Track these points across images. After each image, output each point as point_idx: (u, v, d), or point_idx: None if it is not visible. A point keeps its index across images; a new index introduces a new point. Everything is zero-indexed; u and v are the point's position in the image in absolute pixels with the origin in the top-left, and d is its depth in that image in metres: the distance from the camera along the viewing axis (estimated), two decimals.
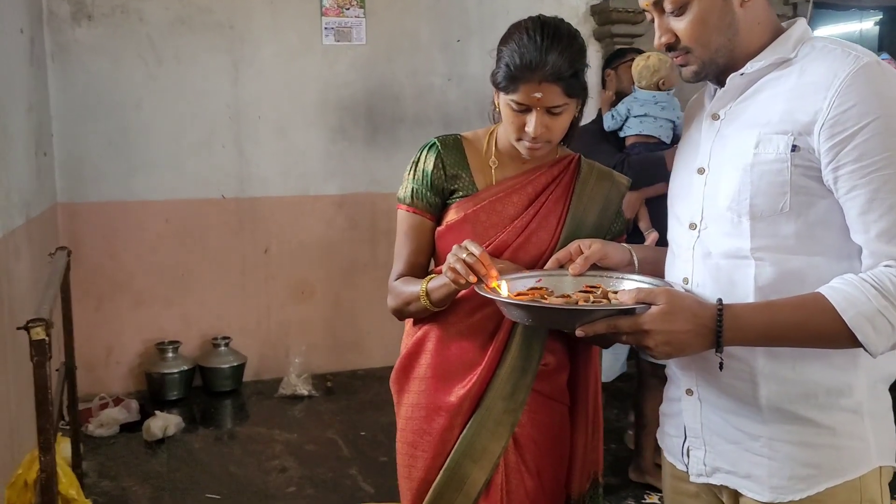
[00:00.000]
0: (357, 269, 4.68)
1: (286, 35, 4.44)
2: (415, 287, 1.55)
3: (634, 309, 1.18)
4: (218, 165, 4.42)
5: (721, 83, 1.29)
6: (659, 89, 3.03)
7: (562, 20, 1.47)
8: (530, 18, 1.47)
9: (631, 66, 3.11)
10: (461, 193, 1.58)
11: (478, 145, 1.62)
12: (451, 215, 1.57)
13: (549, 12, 1.55)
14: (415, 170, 1.61)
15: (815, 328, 1.14)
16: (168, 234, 4.38)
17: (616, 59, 3.28)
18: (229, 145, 4.43)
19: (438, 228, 1.59)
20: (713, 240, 1.26)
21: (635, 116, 3.02)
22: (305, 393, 4.30)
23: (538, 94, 1.41)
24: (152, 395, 4.25)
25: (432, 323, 1.60)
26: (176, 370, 4.26)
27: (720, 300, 1.17)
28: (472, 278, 1.35)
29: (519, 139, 1.49)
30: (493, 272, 1.35)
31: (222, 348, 4.41)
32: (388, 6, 4.58)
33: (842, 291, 1.12)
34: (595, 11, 4.86)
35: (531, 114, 1.44)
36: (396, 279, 1.63)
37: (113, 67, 4.19)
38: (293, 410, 4.15)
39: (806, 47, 1.22)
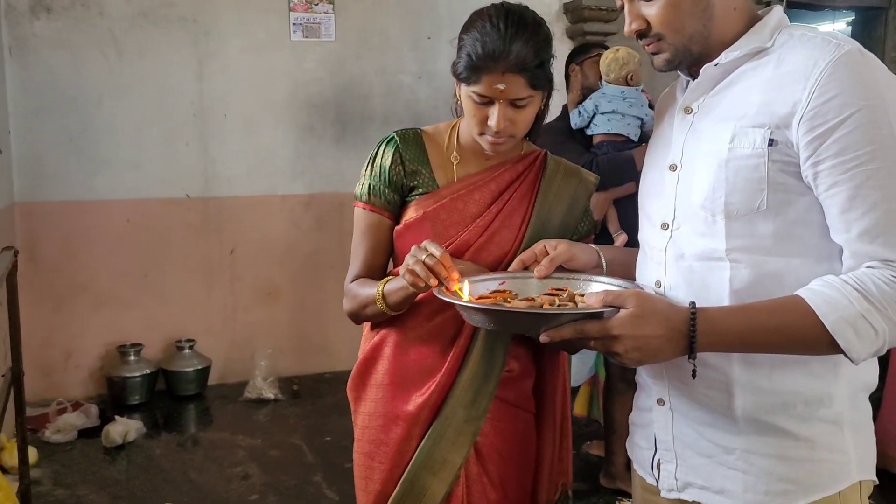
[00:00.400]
0: (324, 271, 4.58)
1: (253, 30, 4.33)
2: (371, 289, 1.46)
3: (602, 313, 1.10)
4: (182, 164, 4.31)
5: (694, 75, 1.22)
6: (627, 84, 2.96)
7: (527, 8, 1.39)
8: (493, 5, 1.39)
9: (597, 61, 3.03)
10: (421, 190, 1.50)
11: (439, 140, 1.53)
12: (410, 213, 1.49)
13: None
14: (372, 165, 1.53)
15: (793, 333, 1.07)
16: (130, 234, 4.26)
17: (581, 54, 3.18)
18: (194, 143, 4.32)
19: (397, 227, 1.51)
20: (686, 240, 1.19)
21: (602, 113, 2.94)
22: (271, 397, 4.20)
23: (501, 86, 1.33)
24: (113, 399, 4.13)
25: (390, 327, 1.51)
26: (138, 374, 4.14)
27: (693, 303, 1.09)
28: (433, 282, 1.27)
29: (481, 133, 1.41)
30: (455, 275, 1.27)
31: (186, 351, 4.29)
32: (357, 2, 4.49)
33: (822, 294, 1.06)
34: (568, 9, 4.81)
35: (494, 106, 1.36)
36: (352, 281, 1.54)
37: (73, 62, 4.06)
38: (258, 415, 4.04)
39: (783, 35, 1.15)
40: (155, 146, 4.24)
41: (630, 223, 2.90)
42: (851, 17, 6.04)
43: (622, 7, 1.23)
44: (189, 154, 4.31)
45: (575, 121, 3.02)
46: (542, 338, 1.12)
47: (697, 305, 1.09)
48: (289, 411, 4.08)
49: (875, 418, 1.23)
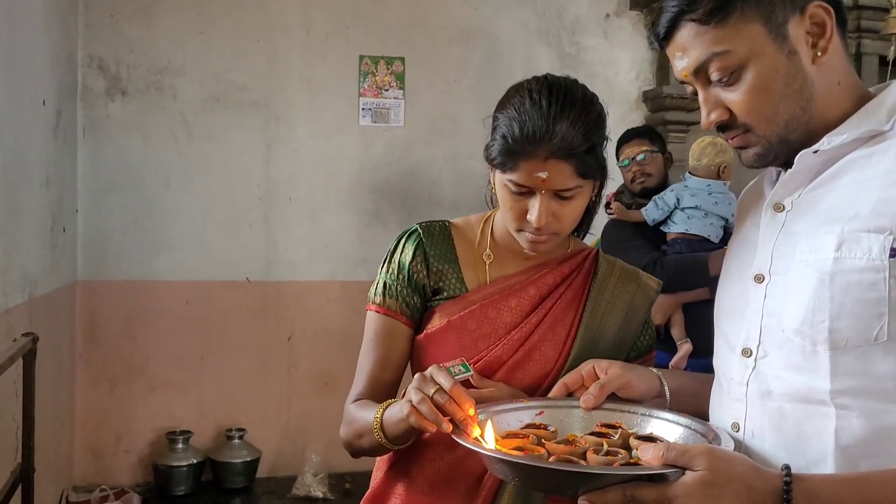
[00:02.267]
0: None
1: (322, 115, 4.29)
2: (368, 414, 1.19)
3: (664, 474, 0.84)
4: (244, 247, 4.23)
5: (787, 165, 0.98)
6: (718, 177, 2.69)
7: (575, 81, 1.18)
8: (535, 78, 1.17)
9: (620, 165, 2.79)
10: (446, 294, 1.26)
11: (470, 235, 1.31)
12: (434, 321, 1.25)
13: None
14: (389, 261, 1.31)
15: None
16: (188, 316, 4.17)
17: (617, 151, 2.94)
18: (257, 226, 4.25)
19: (417, 337, 1.27)
20: (775, 374, 0.93)
21: (683, 209, 2.66)
22: (320, 495, 3.96)
23: (543, 174, 1.11)
24: (159, 488, 3.96)
25: (402, 457, 1.26)
26: (185, 463, 3.97)
27: (787, 468, 0.82)
28: (446, 426, 1.00)
29: (519, 230, 1.18)
30: (472, 412, 1.01)
31: (236, 441, 4.11)
32: (428, 87, 4.41)
33: None
34: (647, 97, 4.61)
35: (535, 198, 1.13)
36: (354, 402, 1.29)
37: (143, 144, 4.09)
38: None
39: None
40: (218, 228, 4.19)
41: (700, 331, 2.62)
42: None
43: (694, 93, 1.00)
44: (252, 237, 4.24)
45: (652, 214, 2.75)
46: (581, 501, 0.86)
47: (793, 467, 0.82)
48: None
49: None
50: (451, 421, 1.01)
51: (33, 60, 3.16)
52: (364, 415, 1.21)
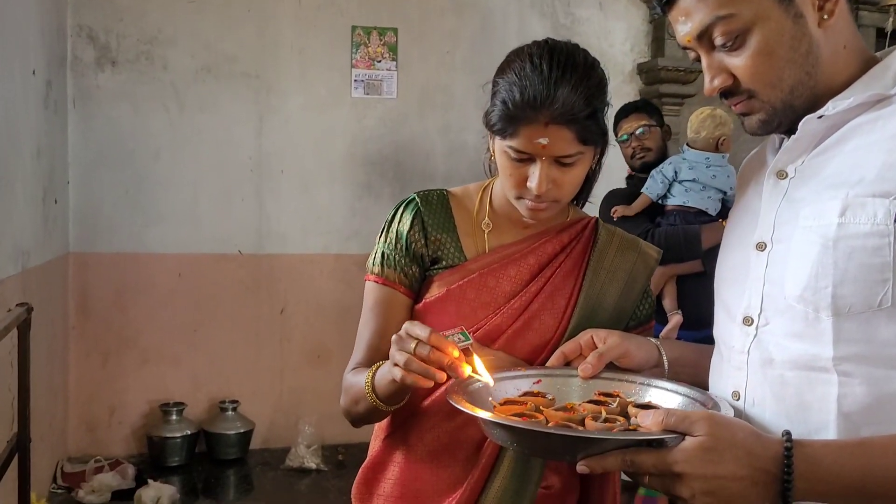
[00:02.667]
0: None
1: (314, 87, 4.25)
2: (361, 379, 1.18)
3: (663, 440, 0.84)
4: (236, 219, 4.21)
5: (791, 132, 0.96)
6: (717, 149, 2.67)
7: (577, 46, 1.15)
8: (535, 43, 1.14)
9: (619, 140, 2.77)
10: (445, 263, 1.25)
11: (468, 204, 1.28)
12: (433, 290, 1.24)
13: None
14: (387, 231, 1.29)
15: None
16: (180, 289, 4.16)
17: (615, 125, 2.91)
18: (249, 199, 4.22)
19: (416, 306, 1.26)
20: (777, 342, 0.92)
21: (681, 182, 2.65)
22: (313, 466, 3.97)
23: (544, 140, 1.08)
24: (153, 459, 3.97)
25: (401, 425, 1.25)
26: (178, 434, 3.98)
27: (788, 433, 0.82)
28: (440, 376, 1.00)
29: (519, 197, 1.16)
30: (456, 355, 1.01)
31: (230, 413, 4.12)
32: (421, 59, 4.37)
33: None
34: (642, 69, 4.59)
35: (535, 165, 1.11)
36: (351, 370, 1.27)
37: (134, 115, 4.04)
38: (299, 485, 3.82)
39: None
40: (210, 201, 4.16)
41: (693, 305, 2.62)
42: None
43: (697, 59, 0.98)
44: (244, 210, 4.22)
45: (654, 188, 2.73)
46: (580, 467, 0.86)
47: (794, 434, 0.82)
48: (331, 483, 3.84)
49: None
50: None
51: (23, 30, 3.11)
52: (358, 380, 1.21)
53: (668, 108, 4.44)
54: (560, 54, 1.11)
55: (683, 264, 2.58)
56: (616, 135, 2.90)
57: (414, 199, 1.29)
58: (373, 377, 1.15)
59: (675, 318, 2.58)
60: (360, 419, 1.25)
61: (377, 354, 1.26)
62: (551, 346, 1.19)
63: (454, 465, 1.19)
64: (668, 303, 2.65)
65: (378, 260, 1.28)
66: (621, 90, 4.41)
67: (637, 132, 2.83)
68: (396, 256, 1.26)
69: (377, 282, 1.28)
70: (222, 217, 4.18)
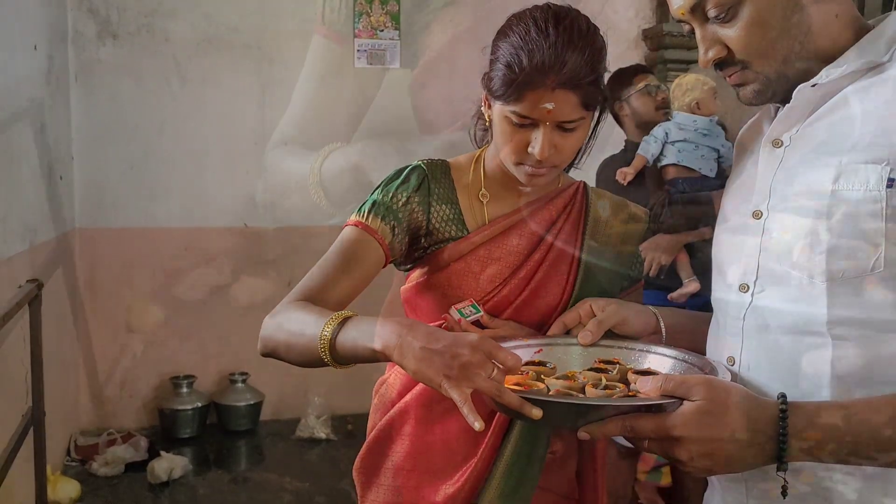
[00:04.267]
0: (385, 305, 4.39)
1: (316, 57, 4.23)
2: (318, 320, 1.03)
3: (661, 405, 0.85)
4: (241, 192, 4.21)
5: (786, 101, 0.97)
6: (694, 113, 2.69)
7: (578, 11, 1.14)
8: (537, 7, 1.14)
9: (645, 91, 2.76)
10: (446, 235, 1.24)
11: (464, 175, 1.28)
12: (437, 265, 1.23)
13: None
14: (385, 186, 1.25)
15: None
16: (187, 263, 4.18)
17: (621, 87, 2.83)
18: (254, 171, 4.22)
19: (418, 281, 1.25)
20: (772, 307, 0.93)
21: (672, 143, 2.67)
22: (323, 436, 4.02)
23: (550, 105, 1.08)
24: (164, 432, 4.02)
25: (410, 393, 1.25)
26: (189, 406, 4.03)
27: (783, 395, 0.84)
28: (479, 425, 0.89)
29: (519, 163, 1.16)
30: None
31: (240, 385, 4.17)
32: (424, 28, 4.33)
33: None
34: (647, 35, 4.54)
35: (538, 130, 1.11)
36: (294, 300, 1.14)
37: (136, 88, 4.03)
38: (310, 455, 3.87)
39: None
40: (214, 174, 4.16)
41: (704, 273, 2.63)
42: None
43: (691, 31, 0.98)
44: (249, 183, 4.22)
45: (651, 150, 2.73)
46: (581, 434, 0.88)
47: (788, 398, 0.83)
48: (340, 453, 3.88)
49: None
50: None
51: (24, 5, 3.10)
52: (307, 322, 1.05)
53: (673, 73, 4.39)
54: (565, 19, 1.11)
55: (693, 232, 2.59)
56: (627, 94, 2.86)
57: (420, 165, 1.27)
58: (338, 331, 1.01)
59: (693, 285, 2.61)
60: (285, 357, 1.13)
61: (329, 295, 1.14)
62: (559, 311, 1.20)
63: (467, 434, 1.17)
64: (684, 272, 2.67)
65: (366, 208, 1.22)
66: (625, 56, 4.36)
67: (660, 87, 2.81)
68: (389, 210, 1.21)
69: (357, 225, 1.20)
70: (227, 190, 4.19)
